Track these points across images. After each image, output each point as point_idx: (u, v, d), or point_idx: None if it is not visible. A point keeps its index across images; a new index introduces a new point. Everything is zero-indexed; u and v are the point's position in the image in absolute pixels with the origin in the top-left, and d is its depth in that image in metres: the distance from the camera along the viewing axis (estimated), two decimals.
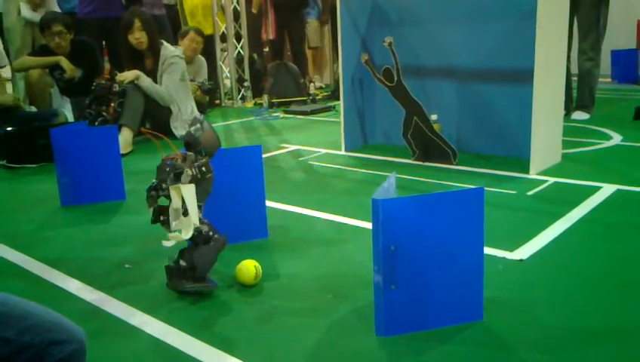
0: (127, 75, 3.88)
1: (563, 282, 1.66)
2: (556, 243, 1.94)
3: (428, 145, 3.12)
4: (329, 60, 7.55)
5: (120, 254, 2.00)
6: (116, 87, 3.79)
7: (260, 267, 1.70)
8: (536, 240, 1.96)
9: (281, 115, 5.09)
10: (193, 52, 5.04)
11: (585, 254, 1.85)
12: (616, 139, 3.52)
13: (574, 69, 4.33)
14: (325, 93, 6.20)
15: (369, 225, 2.11)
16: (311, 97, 5.79)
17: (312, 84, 6.63)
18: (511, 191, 2.55)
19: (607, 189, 2.50)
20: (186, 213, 1.58)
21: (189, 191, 1.58)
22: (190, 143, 1.64)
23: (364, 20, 3.49)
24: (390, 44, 3.09)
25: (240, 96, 5.94)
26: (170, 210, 1.59)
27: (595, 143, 3.42)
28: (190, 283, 1.62)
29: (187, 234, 1.58)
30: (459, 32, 3.23)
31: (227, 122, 4.89)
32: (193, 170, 1.58)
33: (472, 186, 2.42)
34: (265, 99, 5.59)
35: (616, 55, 6.28)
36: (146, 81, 3.92)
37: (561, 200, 2.40)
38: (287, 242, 2.05)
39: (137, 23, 3.99)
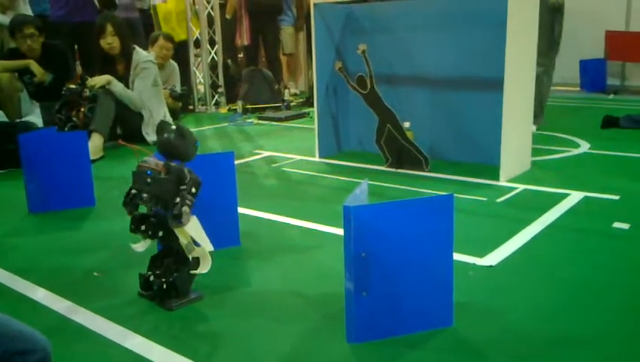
0: (99, 80, 3.83)
1: (533, 288, 1.69)
2: (525, 249, 1.97)
3: (401, 153, 3.15)
4: (304, 67, 7.56)
5: (89, 262, 1.97)
6: (87, 92, 3.74)
7: None
8: (505, 247, 1.99)
9: (255, 121, 5.08)
10: (163, 58, 5.01)
11: (554, 260, 1.89)
12: (584, 147, 3.60)
13: None
14: (300, 100, 6.21)
15: (341, 232, 2.13)
16: (285, 104, 5.79)
17: (286, 91, 6.64)
18: (481, 197, 2.58)
19: (575, 196, 2.55)
20: (197, 243, 1.57)
21: (193, 225, 1.57)
22: (166, 150, 1.62)
23: (338, 28, 3.51)
24: (364, 51, 3.11)
25: (214, 101, 5.91)
26: (182, 245, 1.57)
27: (564, 151, 3.48)
28: (176, 301, 1.60)
29: (206, 265, 1.58)
30: (431, 41, 3.27)
31: (200, 128, 4.86)
32: (188, 202, 1.55)
33: (443, 193, 2.45)
34: (239, 105, 5.57)
35: (584, 65, 6.42)
36: (117, 86, 3.88)
37: (530, 206, 2.44)
38: (260, 249, 2.05)
39: (110, 28, 3.95)
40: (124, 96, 3.91)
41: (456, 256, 1.87)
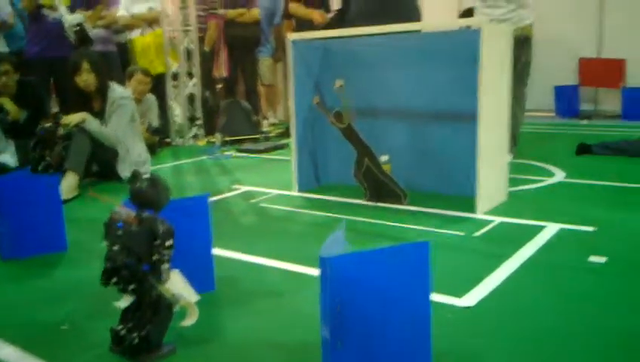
0: (73, 118, 3.80)
1: (511, 329, 1.68)
2: (503, 287, 1.97)
3: (379, 186, 3.15)
4: (282, 96, 7.60)
5: (59, 313, 1.91)
6: (61, 131, 3.70)
7: None
8: (483, 285, 1.98)
9: (234, 154, 5.07)
10: (140, 93, 4.99)
11: (532, 298, 1.88)
12: (559, 175, 3.64)
13: None
14: (279, 130, 6.21)
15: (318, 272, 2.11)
16: (264, 135, 5.79)
17: (265, 121, 6.65)
18: (459, 232, 2.58)
19: (550, 228, 2.56)
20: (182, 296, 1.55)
21: (175, 280, 1.55)
22: (138, 199, 1.60)
23: (315, 63, 3.53)
24: (341, 87, 3.13)
25: (192, 134, 5.88)
26: (167, 297, 1.55)
27: (539, 181, 3.52)
28: (148, 356, 1.56)
29: (194, 316, 1.56)
30: (407, 75, 3.31)
31: (177, 162, 4.83)
32: (165, 257, 1.53)
33: (422, 227, 2.45)
34: (217, 138, 5.56)
35: (558, 91, 6.55)
36: (92, 124, 3.84)
37: (507, 240, 2.45)
38: (236, 295, 2.01)
39: (85, 65, 3.93)
40: (100, 133, 3.87)
41: (435, 297, 1.86)
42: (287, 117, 7.19)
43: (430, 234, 2.57)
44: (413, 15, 3.98)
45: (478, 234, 2.56)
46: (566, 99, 6.50)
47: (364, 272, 1.36)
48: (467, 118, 3.08)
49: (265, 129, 6.02)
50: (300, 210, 3.10)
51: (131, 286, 1.56)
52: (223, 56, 6.48)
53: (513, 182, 3.33)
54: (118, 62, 5.71)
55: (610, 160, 4.03)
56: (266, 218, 3.00)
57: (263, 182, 3.80)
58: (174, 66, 5.85)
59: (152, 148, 5.06)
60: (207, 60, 6.09)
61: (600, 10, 6.41)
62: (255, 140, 5.64)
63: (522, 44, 4.17)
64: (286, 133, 5.90)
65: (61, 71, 4.66)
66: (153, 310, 1.58)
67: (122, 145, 4.02)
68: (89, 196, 3.53)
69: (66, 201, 3.44)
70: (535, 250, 2.30)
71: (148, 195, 1.58)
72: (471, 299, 1.88)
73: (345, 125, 3.18)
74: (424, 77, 3.25)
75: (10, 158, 4.24)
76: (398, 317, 1.40)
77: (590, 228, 2.54)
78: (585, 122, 6.23)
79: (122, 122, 4.00)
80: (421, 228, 2.66)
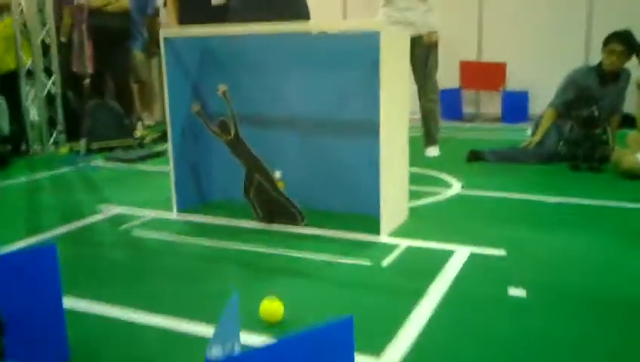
0: None
1: None
2: (423, 339, 1.69)
3: (272, 205, 2.80)
4: (159, 95, 6.97)
5: None
6: None
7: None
8: (402, 337, 1.69)
9: (102, 164, 4.45)
10: None
11: (457, 352, 1.63)
12: (456, 186, 3.50)
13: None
14: (155, 134, 5.60)
15: (209, 331, 1.72)
16: (137, 140, 5.20)
17: (139, 123, 6.02)
18: (365, 261, 2.30)
19: (460, 253, 2.36)
20: None
21: None
22: None
23: (193, 64, 3.08)
24: (224, 92, 2.73)
25: (52, 141, 5.13)
26: None
27: (436, 193, 3.35)
28: None
29: None
30: (300, 80, 2.97)
31: (33, 176, 4.12)
32: None
33: (324, 256, 2.10)
34: (82, 145, 4.89)
35: (442, 94, 6.53)
36: None
37: (418, 271, 2.20)
38: None
39: None
40: None
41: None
42: (165, 118, 6.61)
43: (333, 266, 2.26)
44: (302, 9, 3.66)
45: (385, 263, 2.28)
46: (449, 103, 6.53)
47: None
48: (366, 127, 2.81)
49: (138, 133, 5.41)
50: (181, 238, 2.66)
51: None
52: (88, 49, 5.76)
53: (410, 194, 3.12)
54: None
55: (503, 167, 3.99)
56: (139, 251, 2.52)
57: (136, 201, 3.29)
58: (28, 62, 5.06)
59: (3, 160, 4.32)
60: (66, 54, 5.36)
61: (479, 13, 6.50)
62: (127, 147, 5.04)
63: (431, 48, 4.34)
64: (163, 137, 5.32)
65: None
66: None
67: None
68: None
69: None
70: (449, 284, 2.07)
71: None
72: (392, 356, 1.59)
73: (231, 137, 2.79)
74: (318, 82, 2.93)
75: None
76: None
77: (501, 252, 2.36)
78: (468, 126, 6.30)
79: None
80: (322, 258, 2.34)
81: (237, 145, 2.79)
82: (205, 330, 1.73)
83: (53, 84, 5.15)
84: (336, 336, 1.07)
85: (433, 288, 2.03)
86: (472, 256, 2.33)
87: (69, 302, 1.92)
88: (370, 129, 2.71)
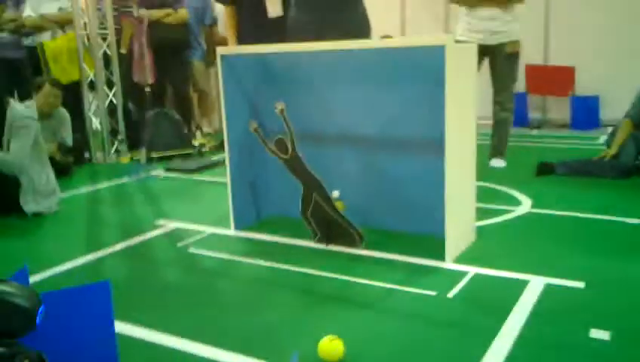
0: None
1: None
2: None
3: (330, 226, 2.70)
4: (217, 103, 7.01)
5: None
6: None
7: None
8: None
9: (161, 175, 4.48)
10: (50, 107, 4.32)
11: None
12: (526, 204, 3.30)
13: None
14: (213, 144, 5.61)
15: None
16: (197, 149, 5.22)
17: (198, 132, 6.06)
18: (429, 291, 2.16)
19: (535, 284, 2.18)
20: None
21: None
22: None
23: (250, 80, 3.02)
24: (282, 110, 2.65)
25: (114, 150, 5.23)
26: None
27: (505, 212, 3.16)
28: None
29: None
30: (358, 96, 2.85)
31: (94, 187, 4.19)
32: None
33: (384, 284, 1.99)
34: (142, 154, 4.95)
35: None
36: None
37: (489, 304, 2.05)
38: None
39: None
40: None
41: None
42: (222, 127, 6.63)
43: (396, 295, 2.13)
44: (363, 25, 3.55)
45: (452, 294, 2.14)
46: (515, 108, 6.25)
47: None
48: (429, 144, 2.68)
49: (197, 142, 5.44)
50: (237, 258, 2.59)
51: None
52: (148, 60, 5.85)
53: (477, 212, 2.95)
54: (28, 70, 5.00)
55: (575, 182, 3.74)
56: (195, 273, 2.47)
57: (194, 215, 3.26)
58: (90, 74, 5.17)
59: (67, 170, 4.42)
60: (126, 65, 5.44)
61: (545, 15, 6.20)
62: (186, 156, 5.07)
63: (515, 56, 4.19)
64: (222, 146, 5.34)
65: None
66: None
67: (25, 173, 3.39)
68: None
69: None
70: (524, 321, 1.90)
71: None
72: None
73: (288, 156, 2.70)
74: (379, 98, 2.81)
75: None
76: None
77: (580, 284, 2.17)
78: (535, 132, 6.01)
79: (24, 146, 3.36)
80: (383, 286, 2.22)
81: (294, 164, 2.70)
82: None
83: (115, 95, 5.24)
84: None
85: (506, 325, 1.87)
86: (548, 288, 2.15)
87: (123, 327, 1.90)
88: (434, 146, 2.59)
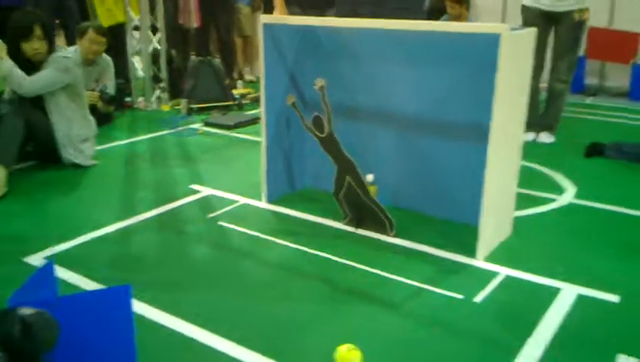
0: None
1: None
2: None
3: (361, 210, 2.65)
4: (261, 50, 6.89)
5: None
6: None
7: None
8: None
9: (200, 130, 4.47)
10: (94, 54, 4.31)
11: None
12: (569, 192, 3.16)
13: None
14: (254, 94, 5.54)
15: None
16: (237, 102, 5.18)
17: (239, 82, 6.01)
18: (456, 294, 2.11)
19: (566, 295, 2.11)
20: None
21: None
22: (9, 349, 1.09)
23: (291, 51, 2.92)
24: (322, 88, 2.56)
25: (155, 96, 5.23)
26: None
27: (546, 200, 3.04)
28: None
29: None
30: (404, 74, 2.73)
31: (134, 138, 4.22)
32: None
33: (411, 281, 1.99)
34: (183, 105, 4.94)
35: None
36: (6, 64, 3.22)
37: (516, 313, 1.99)
38: None
39: (38, 31, 3.28)
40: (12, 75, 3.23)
41: None
42: None
43: (422, 296, 2.10)
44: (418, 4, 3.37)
45: (479, 298, 2.09)
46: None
47: None
48: (472, 130, 2.57)
49: (238, 92, 5.39)
50: (264, 236, 2.58)
51: None
52: (194, 3, 5.76)
53: (517, 198, 2.85)
54: (77, 13, 4.98)
55: (629, 168, 3.54)
56: (223, 250, 2.47)
57: (228, 182, 3.26)
58: (135, 18, 5.12)
59: (108, 119, 4.47)
60: (172, 8, 5.36)
61: None
62: (226, 108, 5.03)
63: (581, 25, 3.99)
64: None
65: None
66: None
67: (63, 121, 3.42)
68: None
69: None
70: (550, 339, 1.85)
71: (20, 346, 1.07)
72: None
73: (324, 135, 2.63)
74: (426, 77, 2.68)
75: None
76: None
77: (614, 298, 2.08)
78: (589, 100, 5.72)
79: (46, 78, 3.32)
80: (410, 283, 2.18)
81: (329, 144, 2.63)
82: None
83: (159, 41, 5.19)
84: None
85: (530, 343, 1.82)
86: (580, 299, 2.08)
87: (142, 307, 1.94)
88: (478, 133, 2.48)
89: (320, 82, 2.57)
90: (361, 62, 2.83)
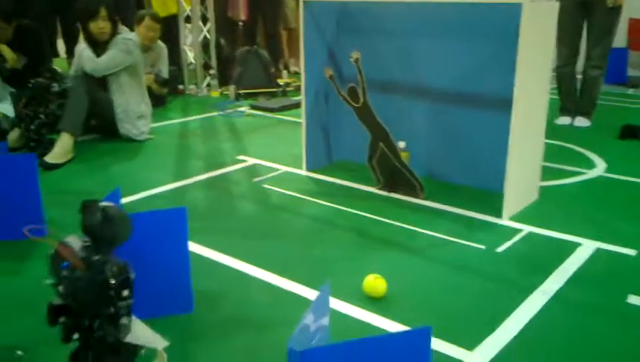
0: None
1: None
2: (521, 339, 1.67)
3: (394, 175, 2.83)
4: None
5: (17, 331, 1.70)
6: (55, 87, 3.41)
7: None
8: (500, 333, 1.69)
9: (247, 112, 4.74)
10: (150, 40, 4.64)
11: (551, 354, 1.59)
12: (600, 167, 3.26)
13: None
14: (298, 83, 5.79)
15: (307, 292, 1.87)
16: (282, 88, 5.43)
17: (284, 72, 6.26)
18: (479, 245, 2.27)
19: (586, 248, 2.24)
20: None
21: (137, 332, 1.33)
22: (91, 235, 1.33)
23: (330, 27, 3.14)
24: (357, 60, 2.76)
25: (205, 83, 5.54)
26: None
27: (576, 173, 3.15)
28: None
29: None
30: (436, 49, 2.91)
31: (186, 118, 4.53)
32: (123, 311, 1.30)
33: (437, 234, 2.13)
34: (231, 90, 5.22)
35: None
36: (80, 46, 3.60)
37: (534, 263, 2.14)
38: (214, 321, 1.76)
39: (103, 12, 3.62)
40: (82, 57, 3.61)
41: (442, 347, 1.60)
42: None
43: (446, 246, 2.27)
44: None
45: (501, 249, 2.24)
46: (613, 64, 5.91)
47: None
48: (500, 102, 2.72)
49: (283, 81, 5.64)
50: (306, 197, 2.81)
51: (75, 336, 1.32)
52: None
53: (548, 172, 2.98)
54: (134, 7, 5.34)
55: None
56: (266, 206, 2.71)
57: (271, 154, 3.50)
58: (187, 8, 5.44)
59: (162, 101, 4.78)
60: (221, 1, 5.66)
61: None
62: (271, 94, 5.29)
63: (617, 10, 4.01)
64: None
65: (68, 8, 4.33)
66: (112, 352, 1.35)
67: (122, 98, 3.73)
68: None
69: (57, 166, 3.23)
70: (565, 282, 1.99)
71: (100, 232, 1.31)
72: (484, 353, 1.60)
73: (359, 104, 2.83)
74: (455, 52, 2.85)
75: (9, 107, 3.99)
76: None
77: (631, 252, 2.20)
78: (631, 91, 5.71)
79: (116, 58, 3.66)
80: (435, 235, 2.36)
81: (364, 113, 2.83)
82: (303, 291, 1.92)
83: (209, 30, 5.50)
84: (414, 343, 1.12)
85: (546, 285, 1.97)
86: (598, 252, 2.21)
87: (196, 247, 2.19)
88: (506, 104, 2.61)
89: (355, 54, 2.77)
90: (395, 37, 3.02)
